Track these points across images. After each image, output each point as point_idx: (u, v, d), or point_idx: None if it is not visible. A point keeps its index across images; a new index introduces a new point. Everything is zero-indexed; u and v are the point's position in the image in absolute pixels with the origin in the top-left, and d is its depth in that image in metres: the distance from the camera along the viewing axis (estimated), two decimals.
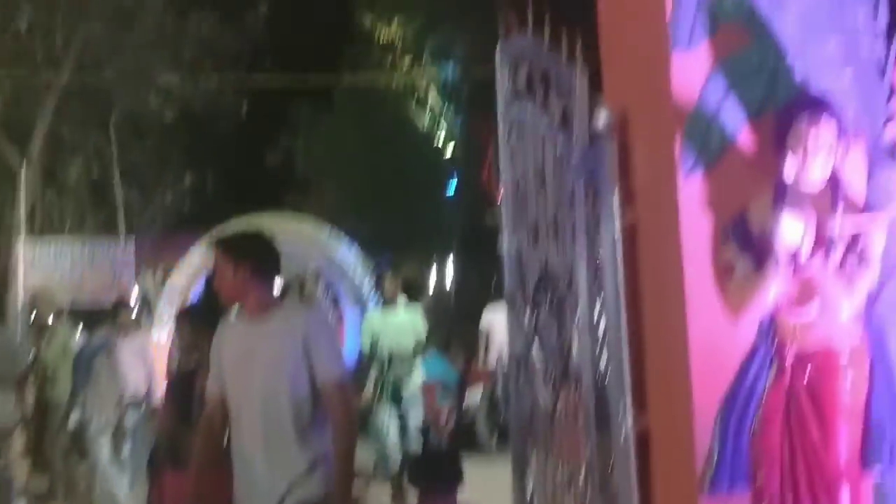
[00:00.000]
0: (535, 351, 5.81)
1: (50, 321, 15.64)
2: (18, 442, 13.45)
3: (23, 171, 22.99)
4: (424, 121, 32.74)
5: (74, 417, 12.45)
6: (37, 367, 14.01)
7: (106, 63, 24.34)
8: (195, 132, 28.03)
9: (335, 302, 22.20)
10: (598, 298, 4.91)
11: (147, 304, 22.94)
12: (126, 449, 11.85)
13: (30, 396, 13.76)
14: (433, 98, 32.34)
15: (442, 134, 32.12)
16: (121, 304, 14.54)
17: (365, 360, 12.95)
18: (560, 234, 5.38)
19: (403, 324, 13.19)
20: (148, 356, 12.59)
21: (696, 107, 4.38)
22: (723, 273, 4.32)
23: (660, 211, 4.54)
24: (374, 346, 12.95)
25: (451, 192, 32.90)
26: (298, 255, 20.03)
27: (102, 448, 11.87)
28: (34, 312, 17.13)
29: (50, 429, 13.58)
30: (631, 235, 4.67)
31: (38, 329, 15.60)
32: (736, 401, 4.30)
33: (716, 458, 4.27)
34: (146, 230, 26.89)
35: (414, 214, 30.72)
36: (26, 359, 13.81)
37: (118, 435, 11.85)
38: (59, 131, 24.68)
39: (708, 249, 4.35)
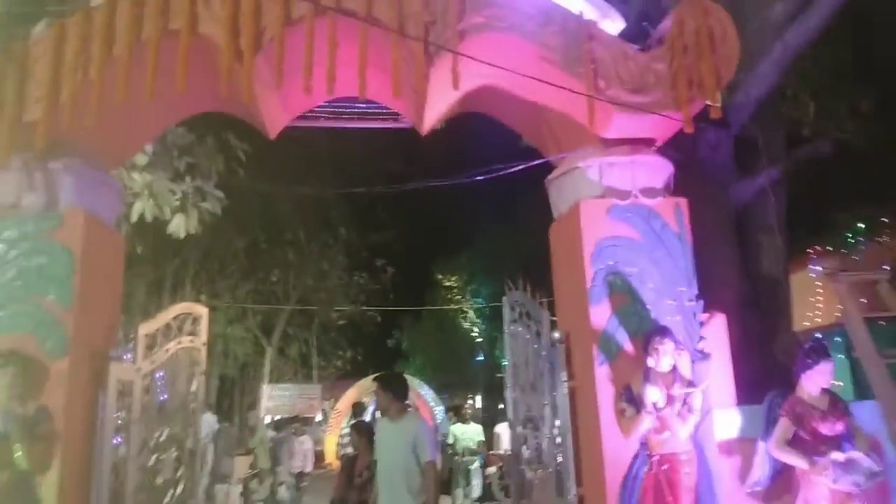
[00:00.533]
0: (524, 450, 5.80)
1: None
2: None
3: (268, 350, 23.30)
4: (468, 326, 33.11)
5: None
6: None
7: (311, 297, 24.83)
8: (355, 331, 28.44)
9: None
10: (555, 424, 4.98)
11: (326, 417, 23.03)
12: None
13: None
14: (472, 315, 32.81)
15: (476, 333, 32.37)
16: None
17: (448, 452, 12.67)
18: (536, 390, 5.48)
19: (473, 432, 13.05)
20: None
21: (604, 331, 4.54)
22: (619, 414, 4.37)
23: (587, 382, 4.62)
24: (454, 444, 12.74)
25: (477, 361, 32.89)
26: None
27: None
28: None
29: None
30: (572, 393, 4.78)
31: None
32: (628, 481, 4.29)
33: None
34: (326, 380, 26.98)
35: (461, 373, 30.92)
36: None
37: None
38: (287, 330, 24.98)
39: (611, 402, 4.42)
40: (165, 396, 5.29)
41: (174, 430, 5.37)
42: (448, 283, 33.19)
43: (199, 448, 5.77)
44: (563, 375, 4.79)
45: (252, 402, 23.50)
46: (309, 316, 25.43)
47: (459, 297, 33.40)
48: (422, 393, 23.56)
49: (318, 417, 24.13)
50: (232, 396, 22.82)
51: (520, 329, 5.86)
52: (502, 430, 14.17)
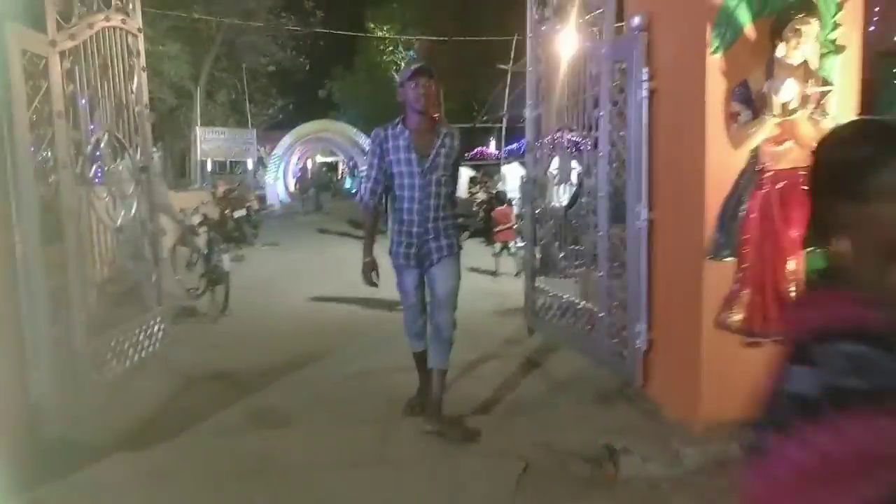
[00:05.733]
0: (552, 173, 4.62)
1: None
2: None
3: (197, 93, 20.76)
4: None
5: None
6: None
7: (238, 38, 21.81)
8: (283, 77, 25.65)
9: None
10: (617, 139, 3.73)
11: (261, 162, 21.76)
12: None
13: None
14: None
15: None
16: None
17: None
18: (579, 103, 4.15)
19: None
20: None
21: (719, 11, 3.08)
22: (730, 119, 3.11)
23: (685, 79, 3.28)
24: None
25: None
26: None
27: None
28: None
29: None
30: (652, 96, 3.44)
31: None
32: (731, 201, 3.15)
33: (717, 236, 3.15)
34: (260, 126, 24.80)
35: None
36: None
37: None
38: (213, 74, 22.20)
39: (719, 104, 3.12)
40: (87, 100, 3.57)
41: (111, 139, 3.77)
42: (380, 34, 29.96)
43: (150, 166, 4.22)
44: (643, 73, 3.42)
45: (186, 147, 21.42)
46: (237, 60, 22.67)
47: (391, 48, 30.49)
48: (359, 141, 22.39)
49: (250, 164, 22.75)
50: (163, 139, 20.49)
51: (555, 27, 4.37)
52: (509, 170, 12.94)
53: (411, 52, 30.25)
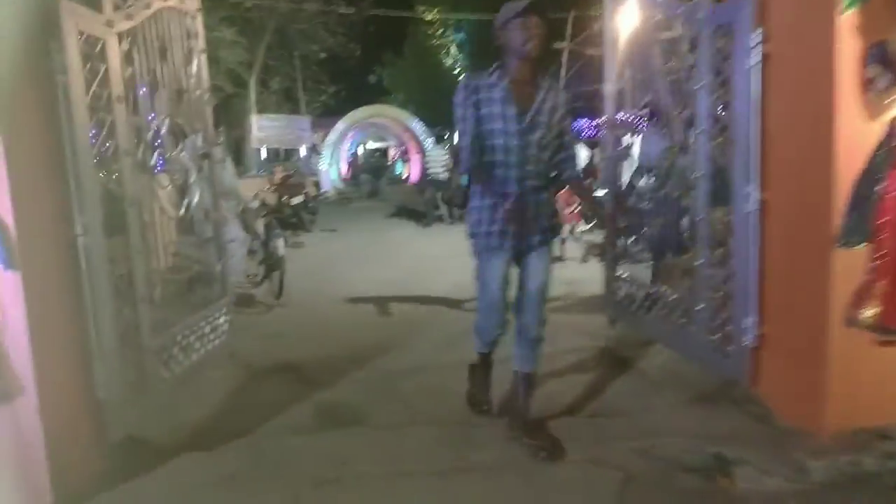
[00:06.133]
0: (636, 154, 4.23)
1: None
2: None
3: (251, 83, 20.89)
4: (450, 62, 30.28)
5: None
6: None
7: (290, 26, 21.80)
8: (335, 64, 25.53)
9: None
10: (720, 112, 3.32)
11: (315, 149, 21.85)
12: None
13: None
14: (454, 51, 29.89)
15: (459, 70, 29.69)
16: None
17: None
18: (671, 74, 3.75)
19: None
20: None
21: None
22: (865, 85, 2.67)
23: (808, 41, 2.85)
24: None
25: None
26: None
27: None
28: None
29: None
30: (765, 62, 3.01)
31: None
32: (865, 180, 2.72)
33: (848, 220, 2.73)
34: (313, 114, 24.81)
35: (444, 111, 28.83)
36: None
37: None
38: (267, 62, 22.28)
39: (852, 68, 2.68)
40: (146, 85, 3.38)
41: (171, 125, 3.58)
42: (430, 18, 29.48)
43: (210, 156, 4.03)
44: (754, 37, 3.00)
45: (241, 135, 21.58)
46: (289, 48, 22.72)
47: (442, 31, 30.01)
48: (411, 126, 22.16)
49: (303, 151, 22.78)
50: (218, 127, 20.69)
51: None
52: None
53: (461, 35, 29.83)
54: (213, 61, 17.17)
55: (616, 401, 3.53)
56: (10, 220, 2.31)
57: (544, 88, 2.83)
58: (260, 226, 6.51)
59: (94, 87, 2.83)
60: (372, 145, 31.90)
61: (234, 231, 6.11)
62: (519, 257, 2.92)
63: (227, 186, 5.89)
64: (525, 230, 2.77)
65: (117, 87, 2.98)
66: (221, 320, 3.93)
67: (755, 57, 3.01)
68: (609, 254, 4.55)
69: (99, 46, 2.88)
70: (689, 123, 3.59)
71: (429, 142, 20.70)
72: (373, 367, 4.31)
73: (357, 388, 3.93)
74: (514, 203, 2.61)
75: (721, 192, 3.41)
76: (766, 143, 3.05)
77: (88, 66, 2.81)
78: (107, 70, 2.92)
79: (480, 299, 3.02)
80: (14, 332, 2.31)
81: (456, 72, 30.23)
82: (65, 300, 2.62)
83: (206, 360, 3.70)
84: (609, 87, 4.36)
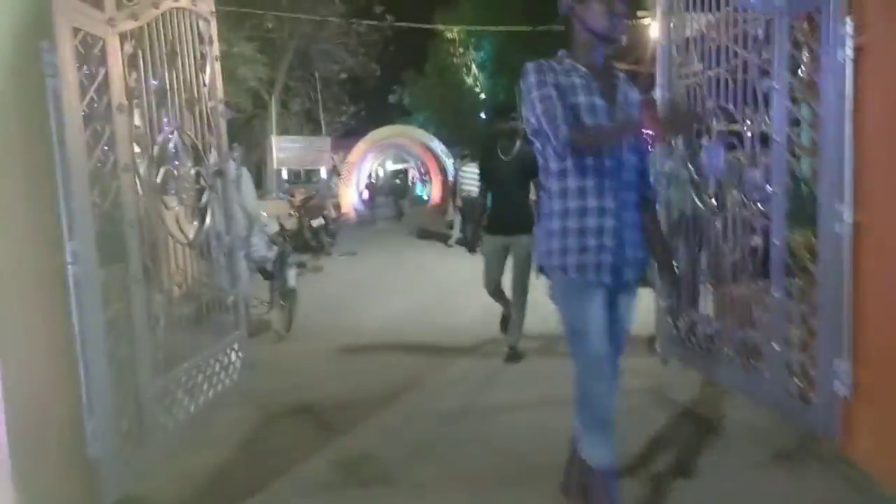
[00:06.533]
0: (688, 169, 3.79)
1: None
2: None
3: (272, 103, 20.84)
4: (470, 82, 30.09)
5: None
6: None
7: (311, 46, 21.83)
8: (355, 84, 25.47)
9: None
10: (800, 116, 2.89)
11: (335, 170, 21.72)
12: None
13: None
14: (475, 70, 29.69)
15: (479, 89, 29.49)
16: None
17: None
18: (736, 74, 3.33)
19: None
20: None
21: None
22: None
23: None
24: None
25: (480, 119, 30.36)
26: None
27: None
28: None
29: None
30: (859, 56, 2.58)
31: None
32: None
33: None
34: (332, 135, 24.66)
35: (464, 131, 28.60)
36: None
37: None
38: (287, 83, 22.26)
39: None
40: (157, 82, 3.02)
41: (181, 138, 3.22)
42: (451, 36, 29.38)
43: (227, 173, 3.66)
44: (846, 28, 2.58)
45: (261, 157, 21.46)
46: (309, 69, 22.68)
47: (462, 50, 29.86)
48: (432, 146, 21.98)
49: (323, 173, 22.55)
50: (242, 145, 20.63)
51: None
52: None
53: (482, 54, 29.67)
54: (233, 78, 17.20)
55: (681, 458, 3.04)
56: None
57: (621, 80, 2.25)
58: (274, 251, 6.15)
59: (90, 93, 2.46)
60: (391, 166, 31.76)
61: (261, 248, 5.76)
62: (613, 293, 2.19)
63: (249, 209, 5.55)
64: (620, 261, 2.13)
65: (118, 94, 2.62)
66: (233, 357, 3.53)
67: (847, 51, 2.59)
68: (665, 283, 4.09)
69: (98, 47, 2.53)
70: (761, 131, 3.16)
71: (449, 162, 20.46)
72: (398, 411, 3.87)
73: (381, 437, 3.48)
74: (604, 227, 2.06)
75: (801, 211, 2.97)
76: (860, 154, 2.61)
77: (85, 68, 2.45)
78: (106, 74, 2.56)
79: (580, 358, 2.17)
80: None
81: (477, 90, 30.07)
82: (47, 342, 2.23)
83: (216, 403, 3.29)
84: (661, 94, 3.95)
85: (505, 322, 4.98)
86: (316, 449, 3.30)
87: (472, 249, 5.03)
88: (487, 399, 3.95)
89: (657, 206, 2.69)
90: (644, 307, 4.21)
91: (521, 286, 4.57)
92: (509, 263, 4.66)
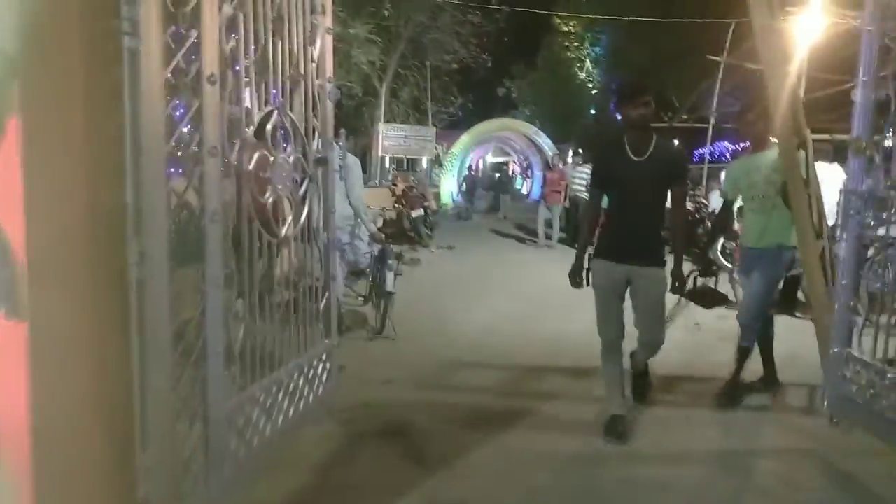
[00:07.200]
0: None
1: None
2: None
3: (382, 90, 20.80)
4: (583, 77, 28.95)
5: None
6: None
7: (424, 35, 21.62)
8: (464, 75, 25.01)
9: None
10: None
11: (438, 160, 21.47)
12: None
13: None
14: (588, 66, 28.51)
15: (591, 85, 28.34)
16: None
17: None
18: None
19: None
20: None
21: None
22: None
23: None
24: None
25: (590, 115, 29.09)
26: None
27: None
28: None
29: None
30: None
31: None
32: None
33: None
34: (439, 125, 24.39)
35: (572, 128, 27.55)
36: None
37: None
38: (399, 70, 22.16)
39: None
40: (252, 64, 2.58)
41: (281, 119, 2.79)
42: (566, 29, 28.30)
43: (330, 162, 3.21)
44: None
45: (367, 144, 21.52)
46: (421, 58, 22.46)
47: (577, 44, 28.69)
48: (538, 140, 21.27)
49: (424, 162, 22.26)
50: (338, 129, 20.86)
51: None
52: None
53: (598, 49, 28.37)
54: (345, 61, 17.19)
55: None
56: (19, 241, 1.55)
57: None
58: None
59: (176, 61, 2.04)
60: (492, 159, 31.18)
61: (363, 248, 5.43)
62: None
63: (356, 203, 5.14)
64: None
65: (210, 63, 2.19)
66: (320, 370, 3.08)
67: None
68: (841, 325, 3.26)
69: (191, 5, 2.11)
70: None
71: (557, 158, 19.64)
72: (503, 443, 3.32)
73: (482, 478, 2.95)
74: None
75: None
76: None
77: (172, 29, 2.03)
78: (199, 38, 2.14)
79: None
80: (9, 410, 1.53)
81: (590, 86, 28.85)
82: (97, 360, 1.82)
83: (296, 422, 2.86)
84: (862, 94, 3.11)
85: (640, 388, 3.93)
86: (404, 486, 2.82)
87: (576, 283, 3.60)
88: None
89: None
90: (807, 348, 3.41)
91: (655, 334, 3.51)
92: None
